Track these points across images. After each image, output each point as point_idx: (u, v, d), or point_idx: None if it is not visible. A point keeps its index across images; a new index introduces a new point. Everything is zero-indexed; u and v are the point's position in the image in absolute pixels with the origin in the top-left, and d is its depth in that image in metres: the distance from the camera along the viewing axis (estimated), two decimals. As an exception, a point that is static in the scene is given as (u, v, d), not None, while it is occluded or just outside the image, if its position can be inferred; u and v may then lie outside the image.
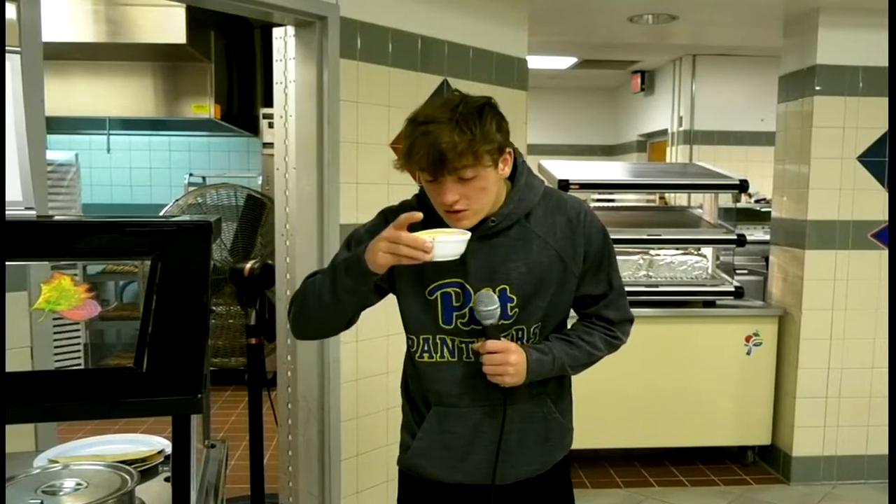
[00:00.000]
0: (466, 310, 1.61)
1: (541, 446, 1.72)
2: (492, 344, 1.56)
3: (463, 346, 1.64)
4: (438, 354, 1.66)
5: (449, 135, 1.44)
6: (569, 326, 1.75)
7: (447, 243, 1.47)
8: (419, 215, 1.49)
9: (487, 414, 1.67)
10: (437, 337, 1.65)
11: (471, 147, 1.45)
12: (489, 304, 1.56)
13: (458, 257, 1.49)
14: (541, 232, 1.63)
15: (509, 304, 1.61)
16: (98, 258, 3.54)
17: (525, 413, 1.68)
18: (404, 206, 1.69)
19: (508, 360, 1.56)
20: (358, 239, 1.67)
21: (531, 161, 4.13)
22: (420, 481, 1.76)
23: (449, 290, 1.62)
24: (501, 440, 1.63)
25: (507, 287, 1.61)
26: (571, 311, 1.75)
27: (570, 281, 1.65)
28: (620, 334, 1.74)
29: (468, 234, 1.51)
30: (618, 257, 1.76)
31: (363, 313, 1.71)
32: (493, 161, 1.51)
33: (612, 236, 1.75)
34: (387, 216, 1.68)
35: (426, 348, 1.67)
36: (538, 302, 1.63)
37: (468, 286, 1.61)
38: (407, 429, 1.78)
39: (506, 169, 1.57)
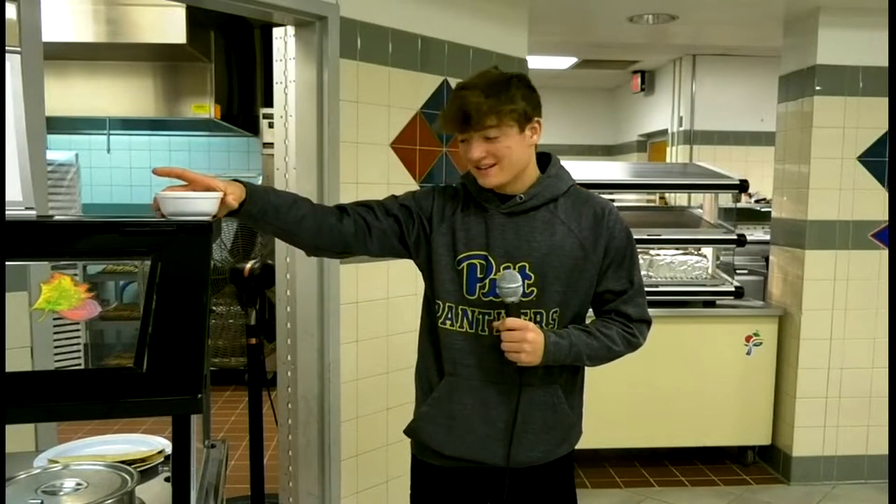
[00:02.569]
0: (487, 280, 1.70)
1: (546, 434, 1.75)
2: (511, 321, 1.63)
3: (481, 317, 1.72)
4: (458, 324, 1.74)
5: (477, 97, 1.61)
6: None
7: (172, 199, 1.44)
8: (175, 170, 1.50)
9: (498, 391, 1.72)
10: (460, 307, 1.74)
11: (493, 108, 1.61)
12: (512, 282, 1.63)
13: (199, 217, 1.42)
14: (566, 219, 1.73)
15: (527, 282, 1.68)
16: (98, 258, 3.54)
17: (534, 398, 1.73)
18: (453, 187, 1.85)
19: (526, 338, 1.61)
20: (403, 198, 1.82)
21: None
22: (422, 463, 1.84)
23: (475, 261, 1.72)
24: (516, 421, 1.69)
25: (526, 264, 1.69)
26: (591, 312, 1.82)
27: (589, 270, 1.72)
28: (638, 332, 1.78)
29: (213, 196, 1.47)
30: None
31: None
32: (518, 124, 1.65)
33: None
34: (434, 189, 1.85)
35: (449, 315, 1.75)
36: (556, 286, 1.70)
37: (491, 259, 1.70)
38: (418, 403, 1.87)
39: (534, 137, 1.70)
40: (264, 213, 1.63)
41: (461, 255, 1.73)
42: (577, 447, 1.87)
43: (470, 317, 1.73)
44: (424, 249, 1.78)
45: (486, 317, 1.71)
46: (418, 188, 3.13)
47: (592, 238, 1.72)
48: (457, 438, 1.76)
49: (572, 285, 1.71)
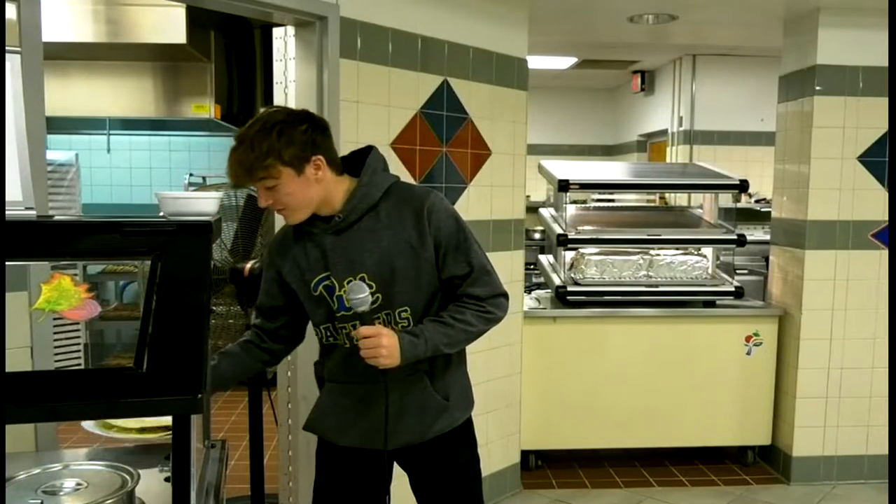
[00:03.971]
0: (334, 297, 1.85)
1: (417, 417, 1.91)
2: (364, 329, 1.75)
3: (341, 328, 1.87)
4: (332, 337, 1.91)
5: (242, 154, 1.71)
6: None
7: (172, 199, 1.64)
8: None
9: (369, 390, 1.88)
10: (325, 325, 1.90)
11: (258, 163, 1.69)
12: (359, 293, 1.74)
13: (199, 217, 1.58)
14: (389, 222, 1.84)
15: (370, 291, 1.79)
16: (98, 258, 3.54)
17: (402, 389, 1.88)
18: (282, 230, 1.99)
19: (381, 343, 1.74)
20: (263, 280, 2.01)
21: (531, 161, 4.14)
22: (326, 443, 2.03)
23: (325, 282, 1.86)
24: (388, 413, 1.83)
25: (364, 274, 1.82)
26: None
27: (423, 266, 1.84)
28: (492, 308, 1.88)
29: (213, 196, 1.68)
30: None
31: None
32: (293, 168, 1.73)
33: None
34: (271, 248, 2.00)
35: (320, 334, 1.93)
36: (396, 286, 1.83)
37: (334, 279, 1.84)
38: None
39: (319, 174, 1.78)
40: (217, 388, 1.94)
41: (313, 282, 1.87)
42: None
43: (334, 330, 1.89)
44: (284, 297, 1.95)
45: (343, 330, 1.86)
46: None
47: (417, 235, 1.82)
48: (343, 432, 1.96)
49: (412, 283, 1.83)
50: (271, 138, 1.70)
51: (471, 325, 1.85)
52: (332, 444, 2.01)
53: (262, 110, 1.80)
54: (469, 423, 2.04)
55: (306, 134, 1.75)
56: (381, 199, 1.85)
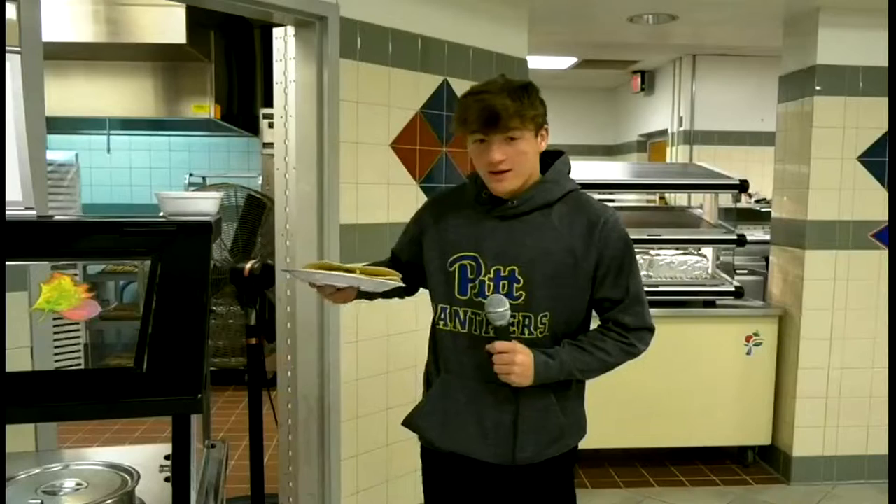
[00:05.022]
0: (478, 281, 1.74)
1: (536, 434, 1.77)
2: (500, 344, 1.67)
3: (474, 317, 1.75)
4: (452, 324, 1.79)
5: (501, 99, 1.64)
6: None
7: (172, 199, 1.61)
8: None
9: (490, 391, 1.75)
10: (452, 308, 1.78)
11: (519, 111, 1.65)
12: (499, 306, 1.65)
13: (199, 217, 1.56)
14: (558, 225, 1.74)
15: (515, 286, 1.71)
16: (98, 258, 3.54)
17: (526, 400, 1.74)
18: (453, 191, 1.93)
19: (515, 360, 1.65)
20: (406, 229, 1.97)
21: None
22: (428, 450, 1.90)
23: (465, 262, 1.76)
24: (518, 420, 1.73)
25: (515, 268, 1.71)
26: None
27: (579, 277, 1.73)
28: (636, 341, 1.79)
29: (213, 196, 1.63)
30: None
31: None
32: (535, 129, 1.70)
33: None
34: (428, 202, 1.96)
35: (443, 316, 1.81)
36: (544, 290, 1.71)
37: (481, 261, 1.74)
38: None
39: (542, 144, 1.75)
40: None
41: (452, 258, 1.77)
42: (576, 447, 1.88)
43: (462, 317, 1.77)
44: (422, 257, 1.86)
45: (478, 317, 1.74)
46: (419, 188, 3.14)
47: (583, 246, 1.72)
48: (449, 434, 1.81)
49: (561, 291, 1.73)
50: (531, 92, 1.69)
51: (609, 355, 1.76)
52: (433, 451, 1.89)
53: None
54: (576, 451, 1.90)
55: (545, 104, 1.75)
56: (559, 200, 1.76)
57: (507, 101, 1.64)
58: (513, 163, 1.68)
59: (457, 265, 1.77)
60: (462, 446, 1.80)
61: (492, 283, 1.72)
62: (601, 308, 1.80)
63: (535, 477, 1.81)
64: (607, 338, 1.77)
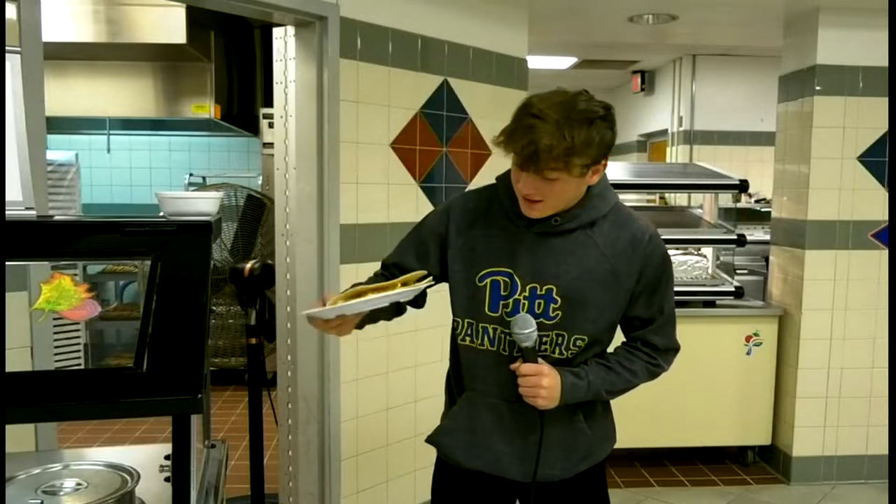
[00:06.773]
0: (511, 300, 1.64)
1: (564, 451, 1.73)
2: (526, 367, 1.60)
3: (503, 335, 1.66)
4: (479, 341, 1.69)
5: (549, 137, 1.45)
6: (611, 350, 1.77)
7: (172, 199, 1.56)
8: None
9: (516, 409, 1.69)
10: (480, 324, 1.68)
11: (562, 157, 1.47)
12: (526, 327, 1.59)
13: (199, 217, 1.51)
14: (601, 243, 1.64)
15: (552, 306, 1.62)
16: (98, 258, 3.54)
17: (553, 419, 1.68)
18: (476, 196, 1.75)
19: (541, 384, 1.59)
20: (417, 235, 1.79)
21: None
22: (447, 465, 1.82)
23: (498, 278, 1.65)
24: (542, 441, 1.66)
25: (553, 287, 1.62)
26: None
27: (619, 297, 1.66)
28: (663, 362, 1.74)
29: (213, 196, 1.58)
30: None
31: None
32: (583, 172, 1.52)
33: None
34: (451, 204, 1.76)
35: (469, 332, 1.71)
36: (584, 312, 1.63)
37: (516, 278, 1.63)
38: (444, 414, 1.85)
39: (594, 178, 1.59)
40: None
41: (483, 272, 1.66)
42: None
43: (491, 334, 1.67)
44: (440, 268, 1.75)
45: (508, 337, 1.64)
46: (419, 188, 3.14)
47: (626, 264, 1.64)
48: (475, 453, 1.75)
49: (600, 312, 1.65)
50: (592, 131, 1.48)
51: (636, 376, 1.70)
52: (452, 467, 1.80)
53: (561, 90, 1.53)
54: (604, 463, 1.86)
55: (613, 134, 1.55)
56: (602, 216, 1.65)
57: (553, 140, 1.45)
58: (544, 195, 1.55)
59: (488, 280, 1.65)
60: (490, 466, 1.74)
61: (527, 302, 1.63)
62: (630, 326, 1.73)
63: (566, 490, 1.79)
64: (636, 358, 1.71)
